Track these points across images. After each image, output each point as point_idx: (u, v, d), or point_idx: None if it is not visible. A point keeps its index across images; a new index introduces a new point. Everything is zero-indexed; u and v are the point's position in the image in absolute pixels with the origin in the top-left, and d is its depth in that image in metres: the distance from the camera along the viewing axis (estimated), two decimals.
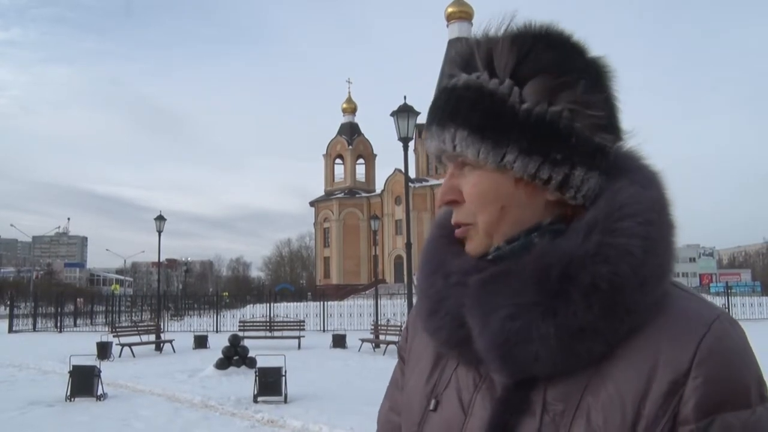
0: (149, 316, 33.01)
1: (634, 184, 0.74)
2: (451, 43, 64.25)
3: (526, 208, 0.75)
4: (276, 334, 21.40)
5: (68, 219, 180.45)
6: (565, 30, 0.76)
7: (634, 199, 0.73)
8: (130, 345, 17.33)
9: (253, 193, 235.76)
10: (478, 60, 0.76)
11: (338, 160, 77.57)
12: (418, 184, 64.84)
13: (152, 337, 19.71)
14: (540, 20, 0.76)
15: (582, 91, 0.72)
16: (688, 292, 0.76)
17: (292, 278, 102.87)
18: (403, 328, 1.01)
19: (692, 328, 0.69)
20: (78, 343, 18.01)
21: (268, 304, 32.01)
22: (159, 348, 19.04)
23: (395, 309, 28.02)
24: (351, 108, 78.05)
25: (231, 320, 29.32)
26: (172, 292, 66.46)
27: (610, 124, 0.75)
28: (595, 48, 0.77)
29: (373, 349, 18.50)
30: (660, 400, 0.67)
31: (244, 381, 11.06)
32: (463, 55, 0.78)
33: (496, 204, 0.75)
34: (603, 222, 0.71)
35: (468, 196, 0.77)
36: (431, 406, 0.83)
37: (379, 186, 75.52)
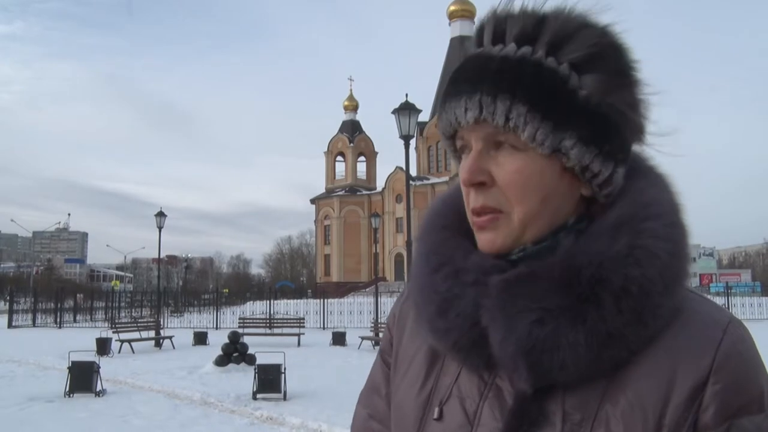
0: (149, 313, 33.06)
1: (653, 185, 0.73)
2: (454, 41, 64.20)
3: (564, 202, 0.72)
4: (276, 331, 21.40)
5: (69, 215, 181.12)
6: (620, 30, 0.73)
7: (657, 200, 0.72)
8: (129, 341, 17.33)
9: (257, 190, 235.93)
10: (545, 36, 0.70)
11: (339, 158, 77.50)
12: (419, 182, 64.75)
13: (152, 334, 19.72)
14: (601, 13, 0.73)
15: (635, 91, 0.72)
16: (697, 293, 0.74)
17: (293, 275, 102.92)
18: (384, 331, 0.94)
19: (709, 333, 0.68)
20: (77, 339, 17.96)
21: (268, 301, 31.95)
22: (158, 344, 19.02)
23: None
24: (352, 105, 77.97)
25: (231, 317, 29.31)
26: (172, 289, 66.44)
27: (644, 126, 0.74)
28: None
29: (373, 346, 18.46)
30: (681, 407, 0.66)
31: (244, 378, 11.05)
32: (526, 26, 0.71)
33: (539, 193, 0.70)
34: (630, 222, 0.69)
35: (506, 182, 0.70)
36: (435, 415, 0.77)
37: (380, 184, 75.45)
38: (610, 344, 0.67)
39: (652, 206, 0.71)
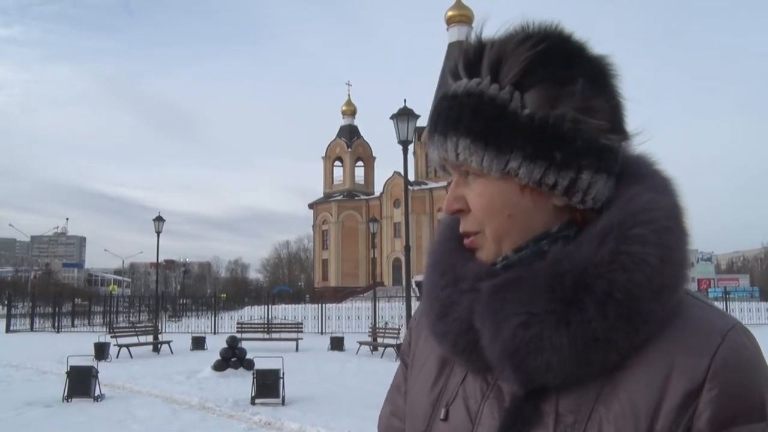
0: (147, 317, 32.97)
1: (650, 190, 0.73)
2: (451, 46, 64.32)
3: (533, 215, 0.74)
4: (274, 336, 21.36)
5: (67, 219, 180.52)
6: (570, 31, 0.75)
7: (650, 205, 0.71)
8: (127, 346, 17.31)
9: (256, 193, 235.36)
10: (485, 65, 0.74)
11: (337, 163, 77.66)
12: (417, 187, 64.86)
13: (150, 338, 19.68)
14: (545, 21, 0.74)
15: (585, 96, 0.71)
16: (702, 300, 0.75)
17: (291, 280, 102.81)
18: (405, 332, 1.00)
19: (706, 338, 0.68)
20: (75, 344, 17.97)
21: (266, 306, 31.90)
22: (156, 349, 19.02)
23: (393, 312, 27.97)
24: (350, 110, 78.22)
25: (229, 322, 29.26)
26: (170, 293, 66.32)
27: (614, 127, 0.73)
28: (596, 47, 0.76)
29: (371, 351, 18.48)
30: (674, 413, 0.66)
31: (242, 383, 11.04)
32: (470, 57, 0.76)
33: (503, 212, 0.74)
34: (617, 229, 0.70)
35: (474, 206, 0.76)
36: (441, 416, 0.81)
37: (378, 189, 75.64)
38: (598, 348, 0.68)
39: (643, 212, 0.71)
